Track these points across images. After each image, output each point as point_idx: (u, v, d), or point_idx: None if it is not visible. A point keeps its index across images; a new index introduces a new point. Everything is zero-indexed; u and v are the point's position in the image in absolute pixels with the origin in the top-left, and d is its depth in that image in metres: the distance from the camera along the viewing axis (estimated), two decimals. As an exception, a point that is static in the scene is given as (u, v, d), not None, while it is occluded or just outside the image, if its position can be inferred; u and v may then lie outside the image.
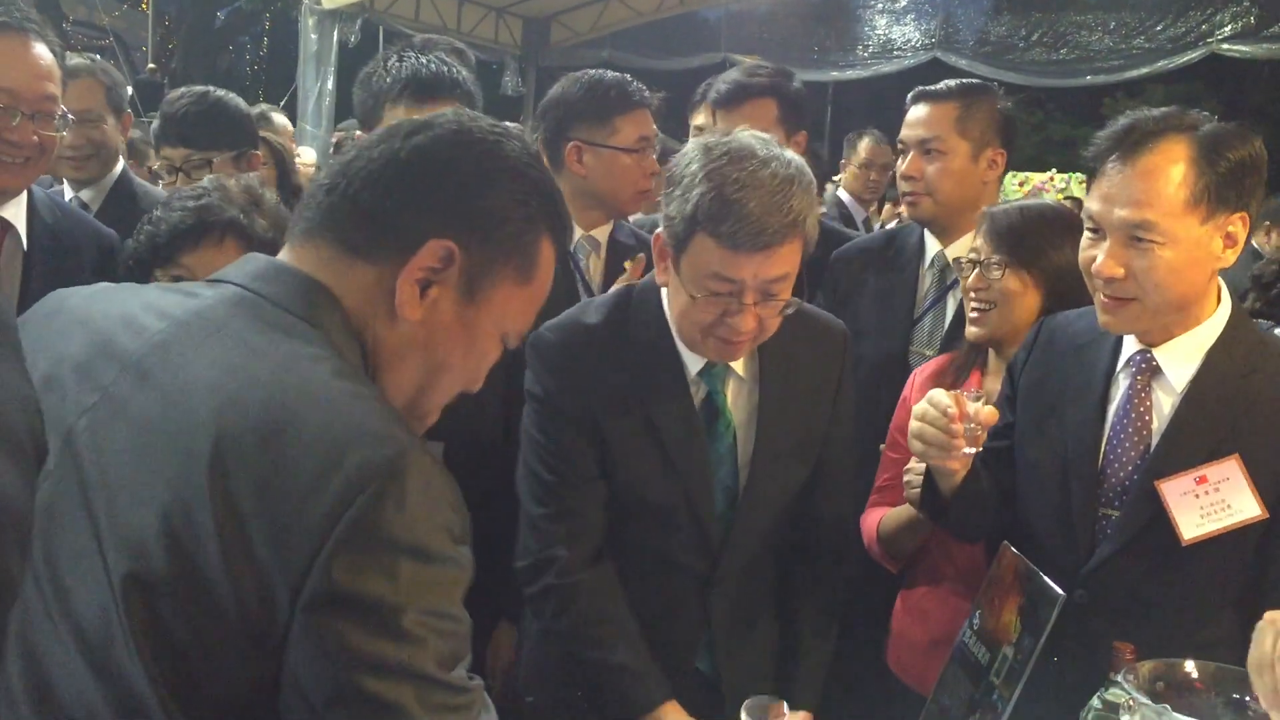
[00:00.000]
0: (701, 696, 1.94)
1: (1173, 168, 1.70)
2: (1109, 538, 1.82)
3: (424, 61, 2.31)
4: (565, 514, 1.90)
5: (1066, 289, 2.13)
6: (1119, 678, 1.53)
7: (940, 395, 1.79)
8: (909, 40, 12.60)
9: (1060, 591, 1.70)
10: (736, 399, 1.94)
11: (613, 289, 2.11)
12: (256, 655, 0.96)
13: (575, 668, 1.93)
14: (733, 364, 1.91)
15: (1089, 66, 11.71)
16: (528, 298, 1.21)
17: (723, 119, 2.83)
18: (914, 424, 1.81)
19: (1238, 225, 1.74)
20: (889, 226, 4.15)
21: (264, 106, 4.82)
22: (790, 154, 1.75)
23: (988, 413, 1.79)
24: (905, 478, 2.18)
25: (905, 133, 2.73)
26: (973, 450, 1.80)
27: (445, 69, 2.32)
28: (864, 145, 5.98)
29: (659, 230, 1.82)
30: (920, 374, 2.42)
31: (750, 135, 1.76)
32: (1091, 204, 1.78)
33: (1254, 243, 6.77)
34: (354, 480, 0.95)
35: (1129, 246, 1.72)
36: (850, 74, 12.85)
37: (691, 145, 1.80)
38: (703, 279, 1.73)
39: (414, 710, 0.97)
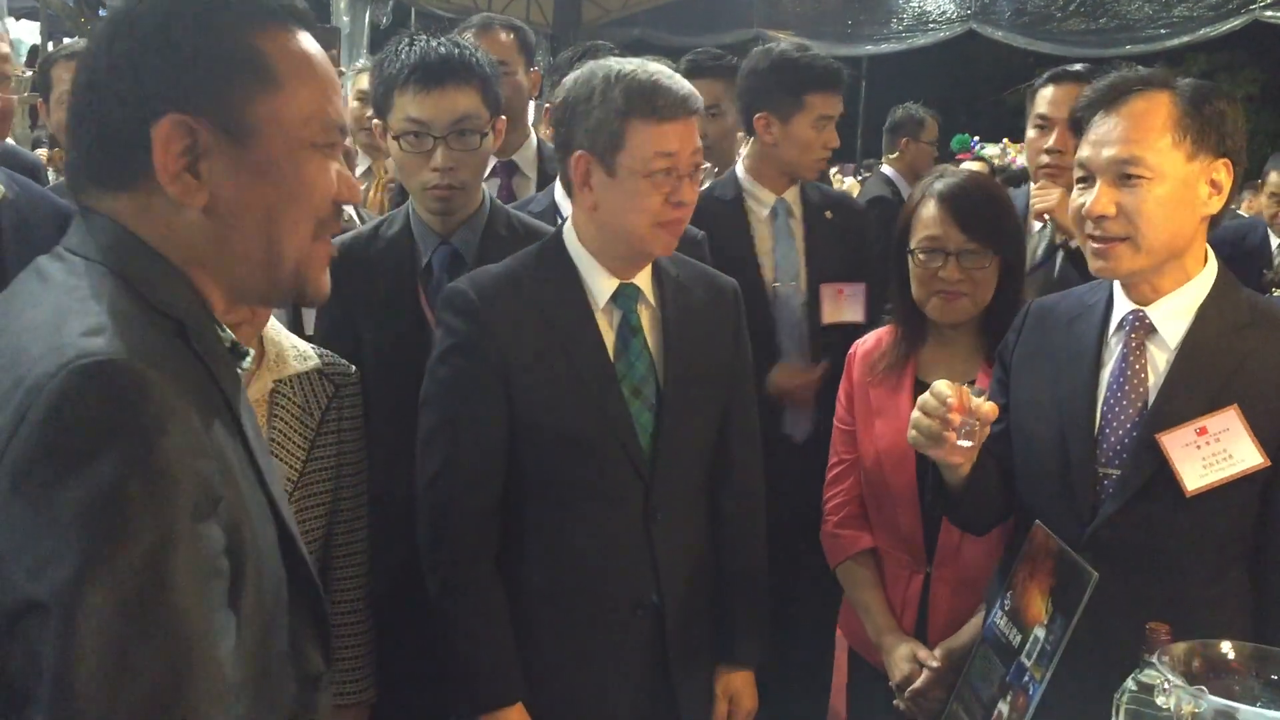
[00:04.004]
0: (650, 629, 2.00)
1: (1157, 110, 1.77)
2: (1111, 496, 1.83)
3: (434, 45, 2.22)
4: (456, 467, 1.93)
5: (1016, 257, 2.24)
6: (1153, 659, 1.53)
7: (942, 386, 1.79)
8: (944, 11, 12.41)
9: (1093, 571, 1.69)
10: (649, 325, 2.00)
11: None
12: None
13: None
14: (641, 287, 2.00)
15: (1128, 35, 11.46)
16: (293, 96, 1.09)
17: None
18: (914, 414, 1.82)
19: (1222, 172, 1.79)
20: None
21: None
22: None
23: (989, 408, 1.79)
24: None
25: (1050, 110, 2.82)
26: (968, 444, 1.80)
27: (457, 52, 2.21)
28: None
29: (578, 154, 1.90)
30: (860, 347, 2.39)
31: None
32: (1081, 152, 1.83)
33: (1241, 211, 6.78)
34: (29, 391, 0.90)
35: (1119, 185, 1.77)
36: (885, 47, 12.70)
37: (578, 72, 1.96)
38: (648, 162, 1.86)
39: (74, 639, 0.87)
